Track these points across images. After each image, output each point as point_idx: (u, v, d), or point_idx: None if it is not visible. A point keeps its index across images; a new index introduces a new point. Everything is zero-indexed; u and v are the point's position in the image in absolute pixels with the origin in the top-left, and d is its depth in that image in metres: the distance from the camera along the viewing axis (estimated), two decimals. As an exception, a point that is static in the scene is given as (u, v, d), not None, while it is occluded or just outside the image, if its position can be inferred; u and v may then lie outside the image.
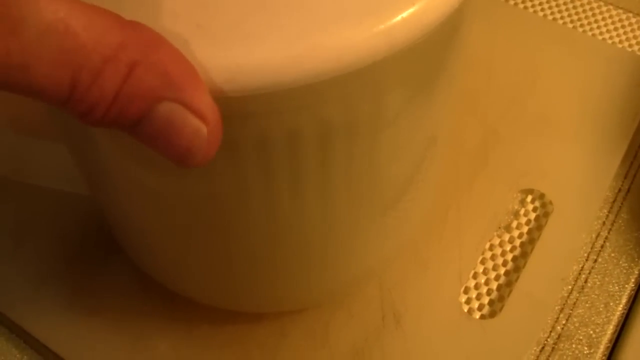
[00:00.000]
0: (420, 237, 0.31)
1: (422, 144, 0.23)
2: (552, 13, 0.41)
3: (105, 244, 0.31)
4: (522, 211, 0.33)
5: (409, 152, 0.23)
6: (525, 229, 0.33)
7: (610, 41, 0.40)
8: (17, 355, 0.30)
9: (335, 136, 0.19)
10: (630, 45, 0.40)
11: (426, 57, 0.19)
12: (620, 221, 0.33)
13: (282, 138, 0.19)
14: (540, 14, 0.41)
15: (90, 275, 0.31)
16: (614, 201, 0.34)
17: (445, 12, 0.18)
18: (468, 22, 0.21)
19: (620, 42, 0.40)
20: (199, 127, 0.16)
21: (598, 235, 0.33)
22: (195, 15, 0.17)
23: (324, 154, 0.20)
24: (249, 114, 0.18)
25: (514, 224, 0.33)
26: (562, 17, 0.41)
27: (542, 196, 0.33)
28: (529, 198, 0.33)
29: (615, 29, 0.41)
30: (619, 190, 0.34)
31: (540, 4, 0.42)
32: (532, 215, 0.33)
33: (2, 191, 0.33)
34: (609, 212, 0.33)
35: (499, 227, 0.32)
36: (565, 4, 0.42)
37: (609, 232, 0.33)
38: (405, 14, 0.17)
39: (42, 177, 0.29)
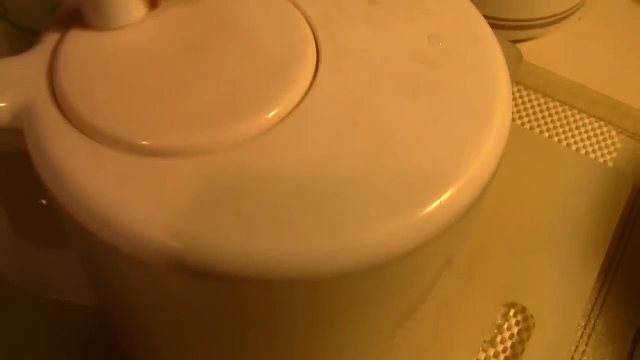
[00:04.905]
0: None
1: (440, 272, 0.25)
2: (529, 121, 0.43)
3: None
4: (505, 325, 0.35)
5: (431, 288, 0.24)
6: (508, 343, 0.34)
7: (583, 150, 0.42)
8: None
9: (368, 305, 0.21)
10: (602, 155, 0.42)
11: (453, 232, 0.21)
12: (595, 335, 0.35)
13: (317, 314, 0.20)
14: (518, 122, 0.43)
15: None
16: (590, 314, 0.36)
17: (468, 203, 0.20)
18: (487, 192, 0.22)
19: (593, 151, 0.42)
20: None
21: (576, 348, 0.35)
22: (236, 203, 0.19)
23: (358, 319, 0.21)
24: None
25: (498, 338, 0.34)
26: (538, 126, 0.43)
27: (523, 310, 0.35)
28: (512, 312, 0.35)
29: (589, 137, 0.43)
30: (595, 303, 0.36)
31: (518, 112, 0.44)
32: (515, 329, 0.35)
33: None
34: (585, 325, 0.35)
35: (484, 342, 0.34)
36: (541, 112, 0.44)
37: (586, 346, 0.35)
38: (430, 209, 0.19)
39: (48, 288, 0.29)
